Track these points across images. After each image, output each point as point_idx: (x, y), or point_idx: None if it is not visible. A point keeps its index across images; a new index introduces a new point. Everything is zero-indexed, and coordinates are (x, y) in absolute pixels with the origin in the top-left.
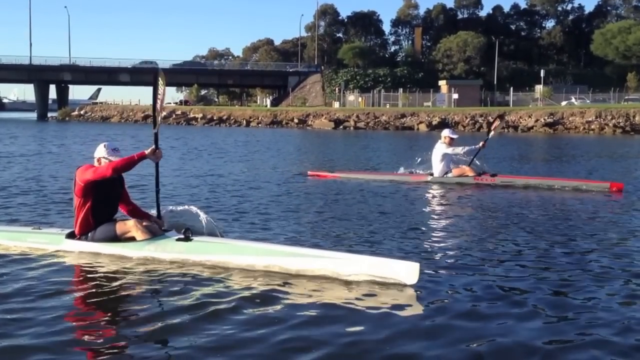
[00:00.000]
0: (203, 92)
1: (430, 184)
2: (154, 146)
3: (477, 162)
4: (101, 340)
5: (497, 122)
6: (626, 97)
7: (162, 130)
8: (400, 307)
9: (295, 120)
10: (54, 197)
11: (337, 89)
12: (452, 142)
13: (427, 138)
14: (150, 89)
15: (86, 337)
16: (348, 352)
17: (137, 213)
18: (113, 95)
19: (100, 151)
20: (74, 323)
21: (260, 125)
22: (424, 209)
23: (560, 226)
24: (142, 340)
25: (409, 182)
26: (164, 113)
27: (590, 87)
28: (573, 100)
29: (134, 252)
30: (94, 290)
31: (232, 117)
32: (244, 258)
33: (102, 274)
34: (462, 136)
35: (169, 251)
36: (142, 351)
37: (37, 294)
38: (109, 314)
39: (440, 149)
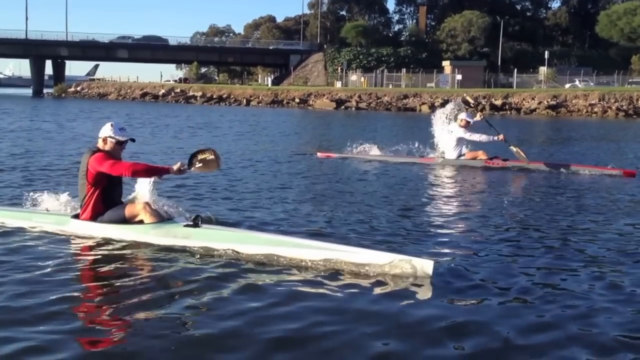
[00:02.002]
0: (203, 69)
1: (442, 167)
2: (179, 164)
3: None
4: (100, 322)
5: (520, 149)
6: (630, 80)
7: (160, 109)
8: (412, 302)
9: (297, 100)
10: (40, 174)
11: (339, 68)
12: (468, 126)
13: (429, 120)
14: (148, 65)
15: (85, 318)
16: (355, 345)
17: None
18: (111, 71)
19: (107, 130)
20: (75, 303)
21: (260, 104)
22: (435, 193)
23: (572, 212)
24: (139, 321)
25: (421, 164)
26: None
27: (595, 70)
28: (577, 82)
29: (140, 235)
30: (95, 271)
31: (232, 96)
32: (251, 248)
33: (105, 256)
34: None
35: (176, 236)
36: (139, 332)
37: (38, 275)
38: (110, 295)
39: (456, 132)
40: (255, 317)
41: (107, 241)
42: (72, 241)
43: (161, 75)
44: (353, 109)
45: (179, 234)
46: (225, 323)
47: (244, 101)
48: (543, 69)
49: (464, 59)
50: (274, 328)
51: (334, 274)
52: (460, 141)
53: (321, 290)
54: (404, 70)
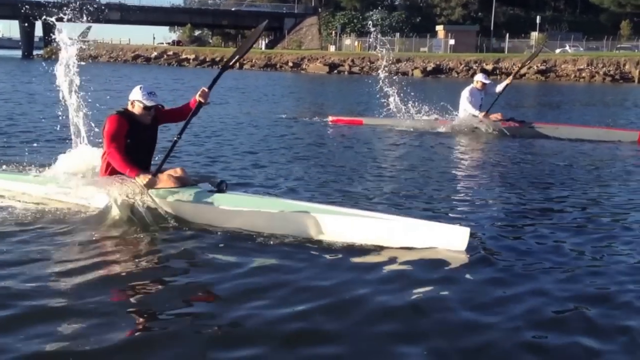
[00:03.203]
0: (197, 32)
1: (456, 130)
2: (149, 178)
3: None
4: (114, 290)
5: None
6: (619, 46)
7: (150, 68)
8: (448, 269)
9: (290, 64)
10: (21, 136)
11: (333, 32)
12: (484, 87)
13: (421, 83)
14: (141, 28)
15: (101, 286)
16: (387, 320)
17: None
18: (103, 34)
19: (136, 94)
20: (92, 268)
21: (253, 68)
22: (452, 157)
23: (593, 176)
24: (154, 287)
25: (435, 127)
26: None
27: (585, 35)
28: (567, 47)
29: (161, 200)
30: (110, 238)
31: (225, 59)
32: (280, 215)
33: (122, 221)
34: (457, 82)
35: (199, 202)
36: (156, 298)
37: (49, 240)
38: (126, 262)
39: (463, 93)
40: (282, 287)
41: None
42: (89, 206)
43: (154, 38)
44: (346, 73)
45: (202, 199)
46: (253, 291)
47: (237, 64)
48: (534, 34)
49: (457, 23)
50: (304, 297)
51: (366, 241)
52: (474, 104)
53: (354, 259)
54: (397, 34)
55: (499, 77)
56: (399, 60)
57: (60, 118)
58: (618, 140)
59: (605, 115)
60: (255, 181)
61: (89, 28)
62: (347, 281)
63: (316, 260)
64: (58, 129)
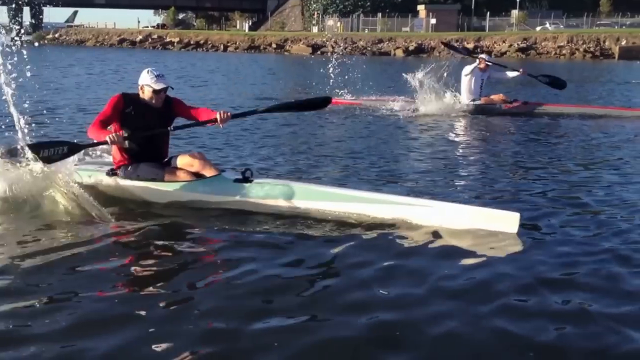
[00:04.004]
0: (181, 15)
1: (460, 111)
2: (117, 134)
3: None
4: (141, 287)
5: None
6: (598, 22)
7: (134, 53)
8: (499, 256)
9: (273, 46)
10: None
11: (316, 13)
12: (487, 68)
13: (402, 64)
14: (126, 12)
15: (127, 285)
16: (441, 304)
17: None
18: (89, 18)
19: (144, 78)
20: (117, 266)
21: (237, 50)
22: (460, 141)
23: (609, 158)
24: (186, 285)
25: (438, 109)
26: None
27: (565, 12)
28: (547, 25)
29: (183, 193)
30: (134, 236)
31: (209, 42)
32: (315, 203)
33: (145, 215)
34: (439, 62)
35: (224, 193)
36: (188, 295)
37: (62, 232)
38: (153, 259)
39: (465, 71)
40: (324, 279)
41: (143, 198)
42: (108, 200)
43: (138, 22)
44: (329, 53)
45: (229, 190)
46: (294, 289)
47: (221, 47)
48: (515, 12)
49: (438, 2)
50: (346, 288)
51: (410, 229)
52: (474, 83)
53: (397, 249)
54: (379, 14)
55: (480, 55)
56: (380, 41)
57: (43, 104)
58: (620, 117)
59: (587, 91)
60: (276, 169)
61: (75, 13)
62: (380, 272)
63: (354, 251)
64: (40, 114)
